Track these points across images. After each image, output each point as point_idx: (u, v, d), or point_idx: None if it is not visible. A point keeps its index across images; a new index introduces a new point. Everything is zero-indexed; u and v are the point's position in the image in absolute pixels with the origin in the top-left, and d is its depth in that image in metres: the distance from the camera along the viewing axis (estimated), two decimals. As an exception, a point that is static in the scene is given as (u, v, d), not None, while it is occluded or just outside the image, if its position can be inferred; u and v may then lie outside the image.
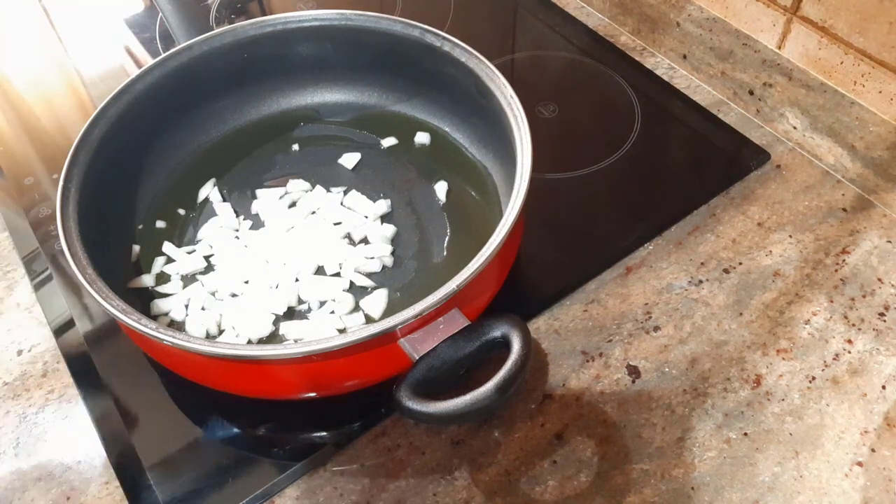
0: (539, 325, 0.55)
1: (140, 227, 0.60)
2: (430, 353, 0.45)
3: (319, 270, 0.57)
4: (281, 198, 0.62)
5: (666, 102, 0.72)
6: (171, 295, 0.55)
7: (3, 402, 0.53)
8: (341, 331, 0.53)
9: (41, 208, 0.64)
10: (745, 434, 0.49)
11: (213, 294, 0.55)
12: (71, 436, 0.51)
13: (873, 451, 0.48)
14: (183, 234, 0.60)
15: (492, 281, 0.52)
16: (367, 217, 0.60)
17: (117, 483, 0.48)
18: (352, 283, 0.56)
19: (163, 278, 0.57)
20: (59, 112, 0.75)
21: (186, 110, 0.64)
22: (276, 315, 0.54)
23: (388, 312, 0.54)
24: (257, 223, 0.60)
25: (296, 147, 0.66)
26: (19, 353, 0.55)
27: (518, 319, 0.46)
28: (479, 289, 0.50)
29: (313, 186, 0.63)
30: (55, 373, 0.54)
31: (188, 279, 0.56)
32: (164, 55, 0.60)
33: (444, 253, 0.58)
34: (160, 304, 0.54)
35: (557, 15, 0.82)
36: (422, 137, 0.66)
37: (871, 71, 0.59)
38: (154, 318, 0.54)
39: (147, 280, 0.56)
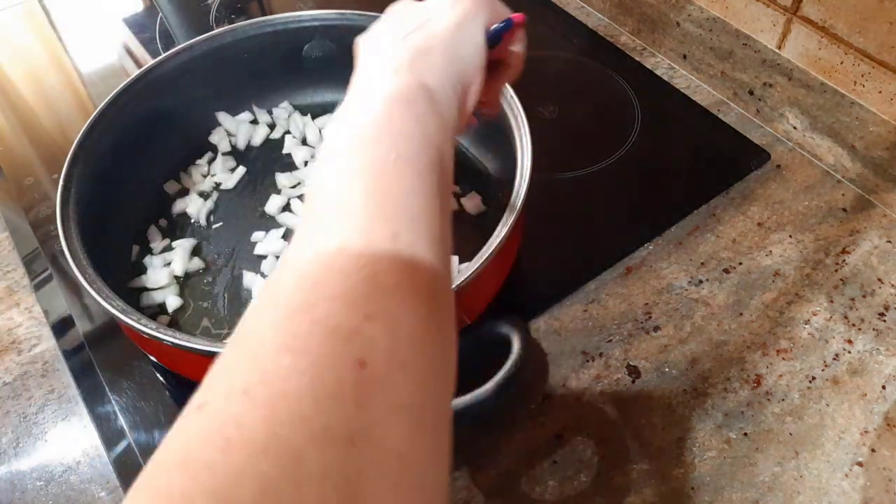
0: (539, 325, 0.55)
1: (140, 226, 0.60)
2: (430, 354, 0.45)
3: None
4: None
5: (666, 102, 0.72)
6: (163, 287, 0.56)
7: (3, 402, 0.53)
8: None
9: (41, 208, 0.64)
10: (745, 434, 0.49)
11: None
12: (71, 436, 0.51)
13: (873, 451, 0.48)
14: (183, 233, 0.60)
15: (492, 281, 0.52)
16: None
17: (117, 483, 0.48)
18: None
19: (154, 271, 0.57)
20: (59, 112, 0.75)
21: (186, 110, 0.64)
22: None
23: (388, 312, 0.54)
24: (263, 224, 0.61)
25: (296, 147, 0.66)
26: (19, 353, 0.55)
27: (518, 319, 0.46)
28: (479, 289, 0.50)
29: None
30: (55, 373, 0.54)
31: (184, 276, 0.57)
32: (164, 55, 0.60)
33: (444, 253, 0.58)
34: (153, 296, 0.55)
35: (557, 15, 0.82)
36: (422, 137, 0.65)
37: (871, 71, 0.59)
38: (143, 309, 0.54)
39: (147, 280, 0.56)
